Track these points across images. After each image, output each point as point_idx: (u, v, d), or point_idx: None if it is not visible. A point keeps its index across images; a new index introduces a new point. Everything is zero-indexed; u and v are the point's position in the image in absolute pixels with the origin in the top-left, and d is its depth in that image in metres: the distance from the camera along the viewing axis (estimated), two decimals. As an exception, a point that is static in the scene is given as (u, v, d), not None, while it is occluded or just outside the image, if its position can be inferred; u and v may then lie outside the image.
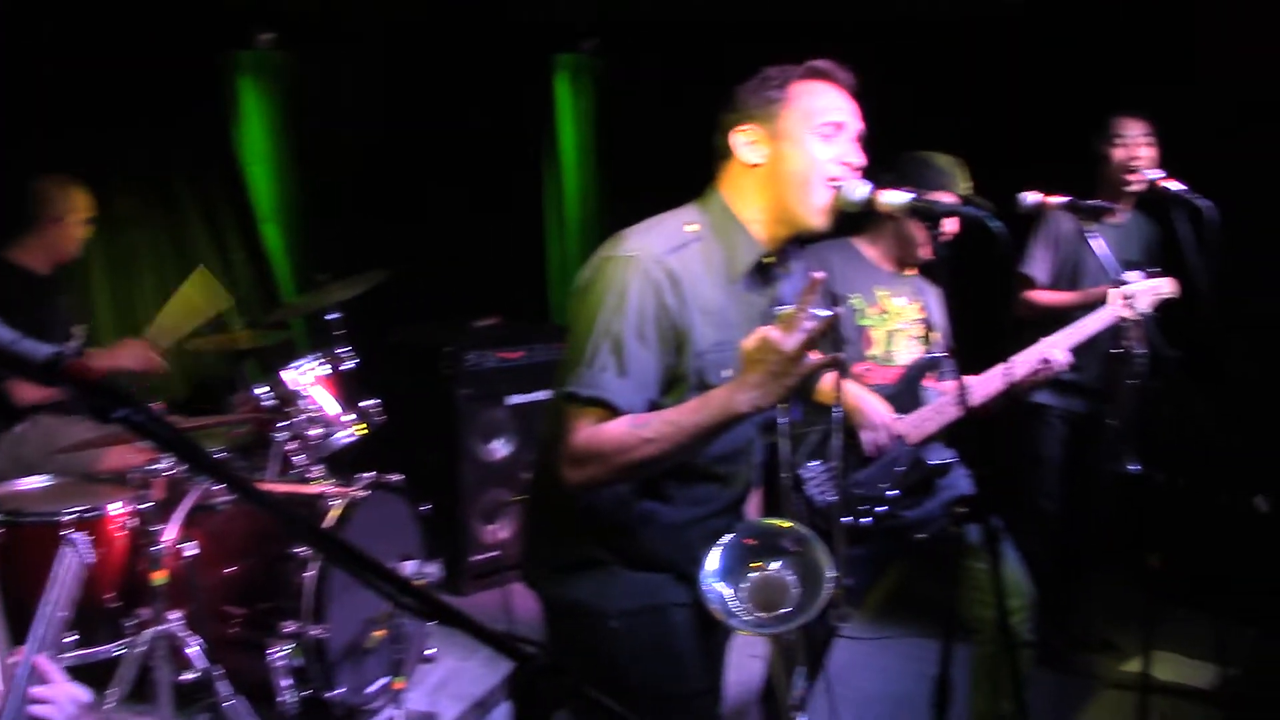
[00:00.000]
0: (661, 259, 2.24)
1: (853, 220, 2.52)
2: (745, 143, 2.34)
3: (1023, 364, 3.48)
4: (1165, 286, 3.96)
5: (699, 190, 2.47)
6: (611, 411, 2.19)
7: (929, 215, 2.31)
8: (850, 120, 2.34)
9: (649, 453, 2.17)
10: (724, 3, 5.09)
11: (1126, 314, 3.74)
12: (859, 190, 2.31)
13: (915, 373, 3.49)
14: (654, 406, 2.27)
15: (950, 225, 3.20)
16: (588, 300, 2.26)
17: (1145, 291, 3.83)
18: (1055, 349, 3.56)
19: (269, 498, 1.49)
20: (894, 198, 2.31)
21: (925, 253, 3.51)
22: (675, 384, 2.30)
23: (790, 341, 2.05)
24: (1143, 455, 3.83)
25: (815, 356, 2.06)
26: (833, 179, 2.31)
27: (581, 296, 2.29)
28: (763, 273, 2.40)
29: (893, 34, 5.40)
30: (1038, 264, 4.51)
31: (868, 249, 3.59)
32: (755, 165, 2.33)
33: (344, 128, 5.23)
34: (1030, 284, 4.50)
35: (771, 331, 2.06)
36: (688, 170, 2.55)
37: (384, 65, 5.17)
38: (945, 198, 3.29)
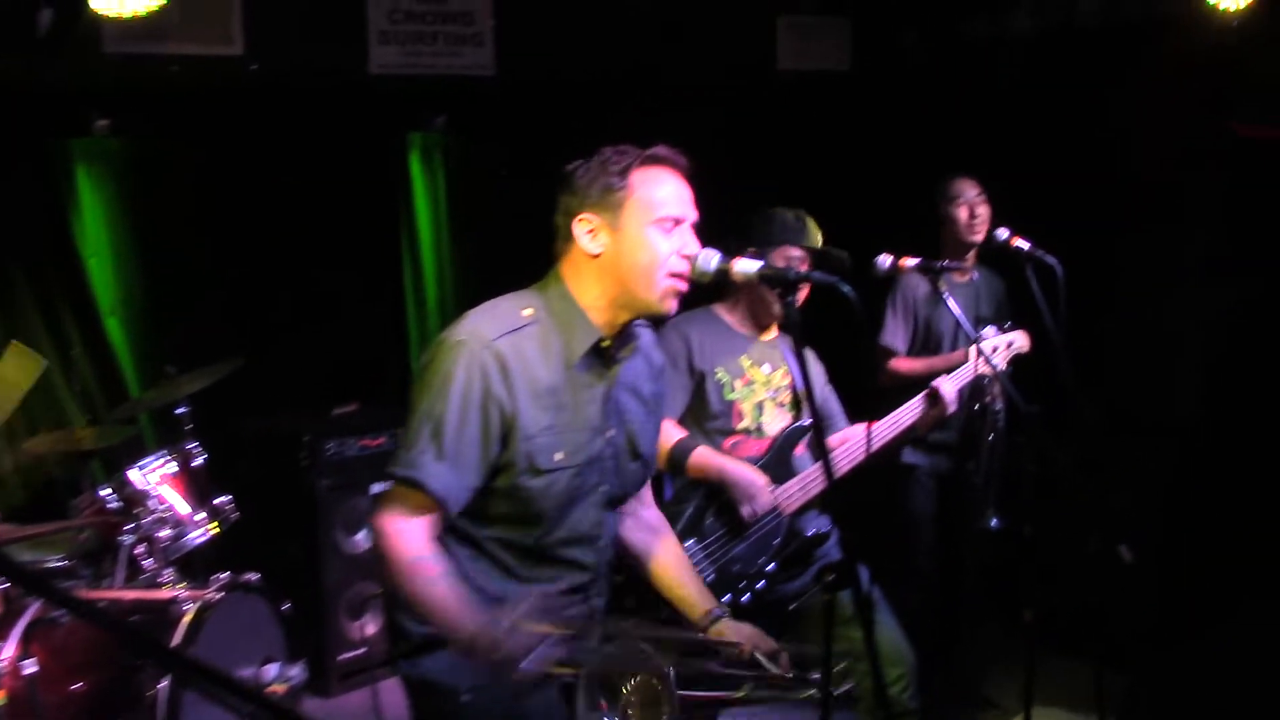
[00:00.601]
0: (492, 343, 2.33)
1: (711, 285, 2.59)
2: (585, 232, 2.41)
3: (908, 410, 3.57)
4: (1019, 340, 4.12)
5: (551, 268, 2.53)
6: (426, 494, 2.29)
7: (780, 283, 2.36)
8: (689, 211, 2.44)
9: (414, 596, 2.29)
10: (568, 71, 5.23)
11: (984, 369, 3.88)
12: (712, 261, 2.40)
13: (785, 442, 3.53)
14: (480, 491, 2.34)
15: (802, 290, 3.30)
16: (420, 383, 2.36)
17: (1001, 346, 3.98)
18: (945, 386, 3.65)
19: (104, 613, 1.45)
20: (746, 267, 2.38)
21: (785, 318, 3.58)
22: (504, 469, 2.38)
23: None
24: (1009, 510, 3.95)
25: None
26: (674, 273, 2.40)
27: (418, 379, 2.39)
28: (600, 356, 2.47)
29: (739, 97, 5.59)
30: (895, 332, 4.64)
31: (728, 315, 3.63)
32: (595, 255, 2.41)
33: (188, 214, 5.15)
34: (890, 353, 4.63)
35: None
36: (542, 247, 2.58)
37: (229, 148, 5.12)
38: (794, 253, 3.40)
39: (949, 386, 3.62)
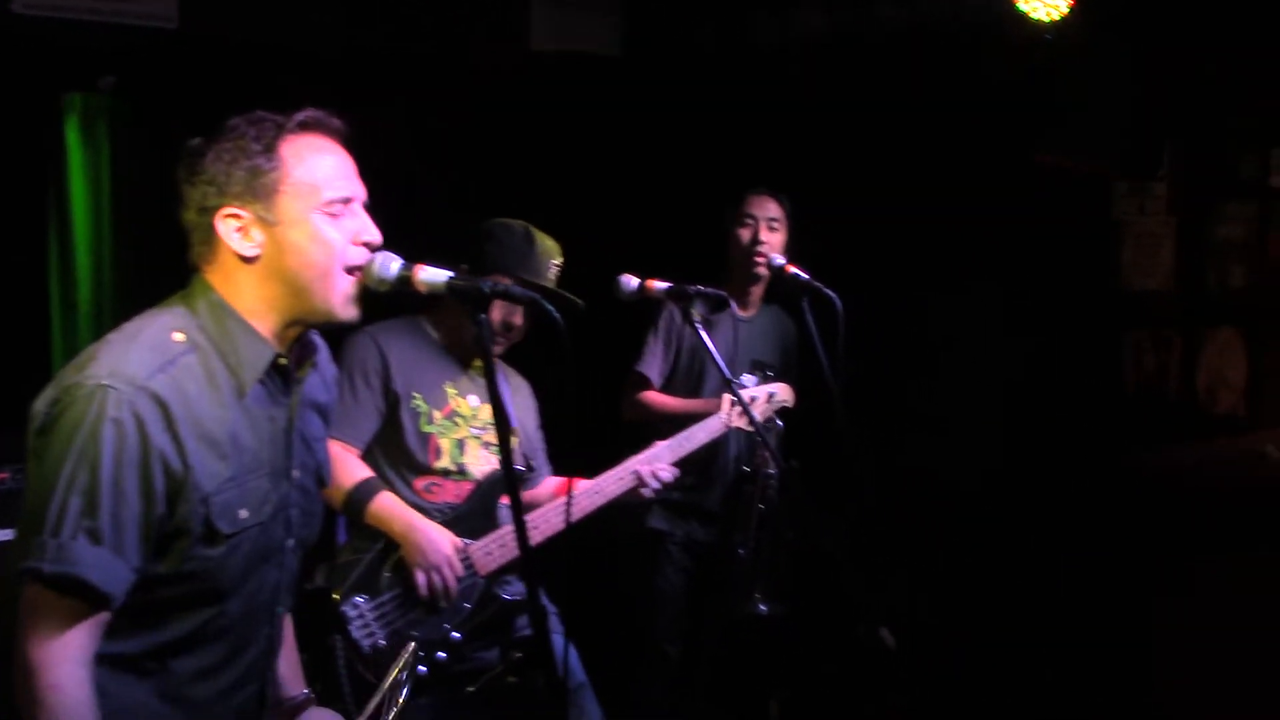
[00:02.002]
0: (144, 384, 2.02)
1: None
2: (234, 230, 2.13)
3: (616, 481, 3.47)
4: (782, 394, 4.08)
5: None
6: (83, 595, 2.00)
7: (472, 298, 2.13)
8: (357, 188, 2.19)
9: None
10: (272, 31, 4.97)
11: (739, 424, 3.83)
12: (392, 266, 2.17)
13: (490, 489, 3.36)
14: (144, 574, 2.08)
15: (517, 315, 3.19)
16: (52, 443, 1.99)
17: (760, 399, 3.93)
18: (656, 463, 3.59)
19: None
20: (431, 276, 2.16)
21: (498, 344, 3.38)
22: (174, 539, 2.07)
23: None
24: (771, 589, 3.89)
25: None
26: (353, 266, 2.18)
27: (43, 436, 2.01)
28: (279, 377, 2.26)
29: (479, 78, 5.43)
30: (651, 361, 4.43)
31: (434, 330, 3.41)
32: (250, 259, 2.15)
33: None
34: (643, 383, 4.41)
35: None
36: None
37: None
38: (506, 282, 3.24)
39: (666, 462, 3.56)
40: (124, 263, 5.38)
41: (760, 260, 4.33)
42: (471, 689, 3.19)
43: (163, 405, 2.06)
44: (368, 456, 3.32)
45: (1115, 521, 4.90)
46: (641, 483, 3.42)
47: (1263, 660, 4.73)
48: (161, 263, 4.95)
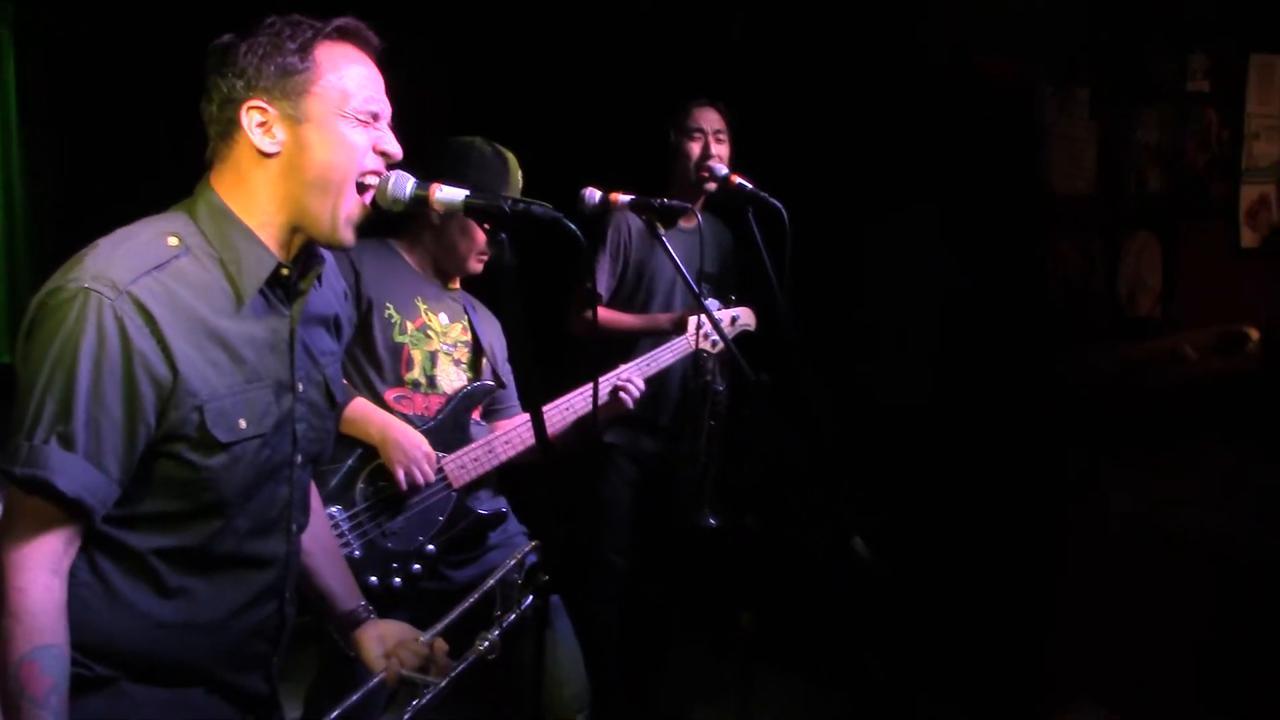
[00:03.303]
0: (128, 288, 2.00)
1: (388, 219, 2.42)
2: (257, 125, 2.12)
3: (584, 397, 3.48)
4: (744, 317, 4.13)
5: (180, 188, 2.21)
6: (54, 500, 1.99)
7: (493, 216, 2.16)
8: (385, 105, 2.21)
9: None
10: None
11: (705, 346, 3.88)
12: (406, 187, 2.19)
13: (461, 403, 3.37)
14: (132, 485, 2.06)
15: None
16: (32, 348, 1.99)
17: (724, 321, 3.97)
18: (628, 381, 3.62)
19: None
20: (449, 194, 2.18)
21: (476, 264, 3.40)
22: (165, 450, 2.06)
23: None
24: (729, 501, 3.93)
25: None
26: (369, 172, 2.18)
27: (27, 342, 2.00)
28: (281, 288, 2.24)
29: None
30: (600, 275, 4.44)
31: (406, 254, 3.42)
32: (269, 155, 2.14)
33: None
34: (588, 298, 4.42)
35: None
36: (169, 163, 2.31)
37: None
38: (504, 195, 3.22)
39: (638, 380, 3.59)
40: (34, 194, 5.15)
41: (711, 171, 4.31)
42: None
43: (145, 310, 2.04)
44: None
45: (1041, 423, 5.01)
46: (622, 389, 3.44)
47: (1181, 557, 4.93)
48: (82, 191, 4.82)
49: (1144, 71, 5.62)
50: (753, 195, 3.98)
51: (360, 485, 3.23)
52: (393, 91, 2.26)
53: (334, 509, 3.18)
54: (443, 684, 2.34)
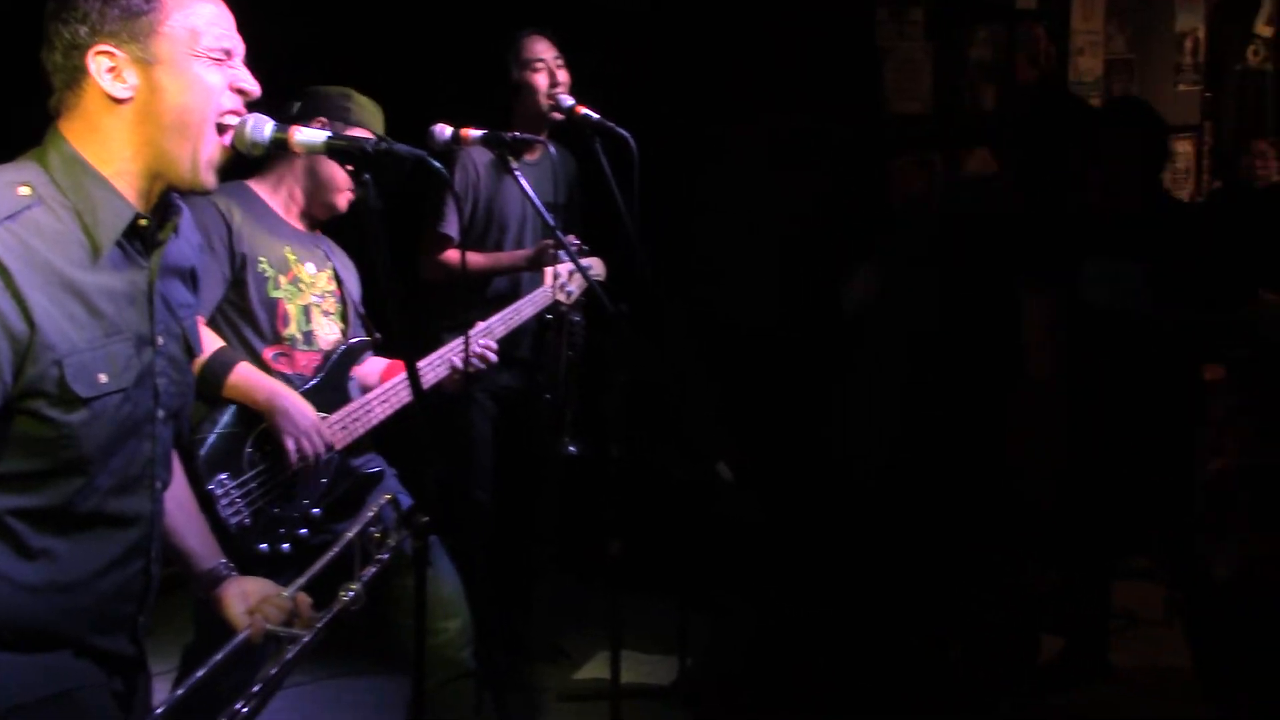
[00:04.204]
0: None
1: (246, 161, 2.36)
2: (106, 70, 2.05)
3: (445, 363, 3.48)
4: (595, 268, 4.11)
5: (25, 141, 2.12)
6: None
7: (353, 156, 2.12)
8: (237, 42, 2.15)
9: None
10: None
11: (561, 298, 3.89)
12: (267, 128, 2.12)
13: (340, 360, 3.32)
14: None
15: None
16: None
17: (578, 274, 3.95)
18: (490, 334, 3.60)
19: None
20: (310, 135, 2.13)
21: (342, 203, 3.33)
22: (27, 400, 1.99)
23: None
24: (591, 430, 3.96)
25: None
26: (228, 112, 2.12)
27: None
28: (139, 240, 2.17)
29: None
30: (451, 218, 4.37)
31: (269, 197, 3.33)
32: (121, 100, 2.08)
33: None
34: (444, 241, 4.37)
35: None
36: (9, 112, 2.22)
37: None
38: (361, 133, 3.12)
39: (495, 336, 3.62)
40: None
41: (557, 102, 4.28)
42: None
43: None
44: (214, 326, 3.21)
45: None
46: (463, 367, 3.44)
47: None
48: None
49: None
50: (599, 125, 3.97)
51: (248, 451, 3.17)
52: (243, 31, 2.20)
53: (223, 475, 3.10)
54: (309, 636, 2.32)
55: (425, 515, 2.24)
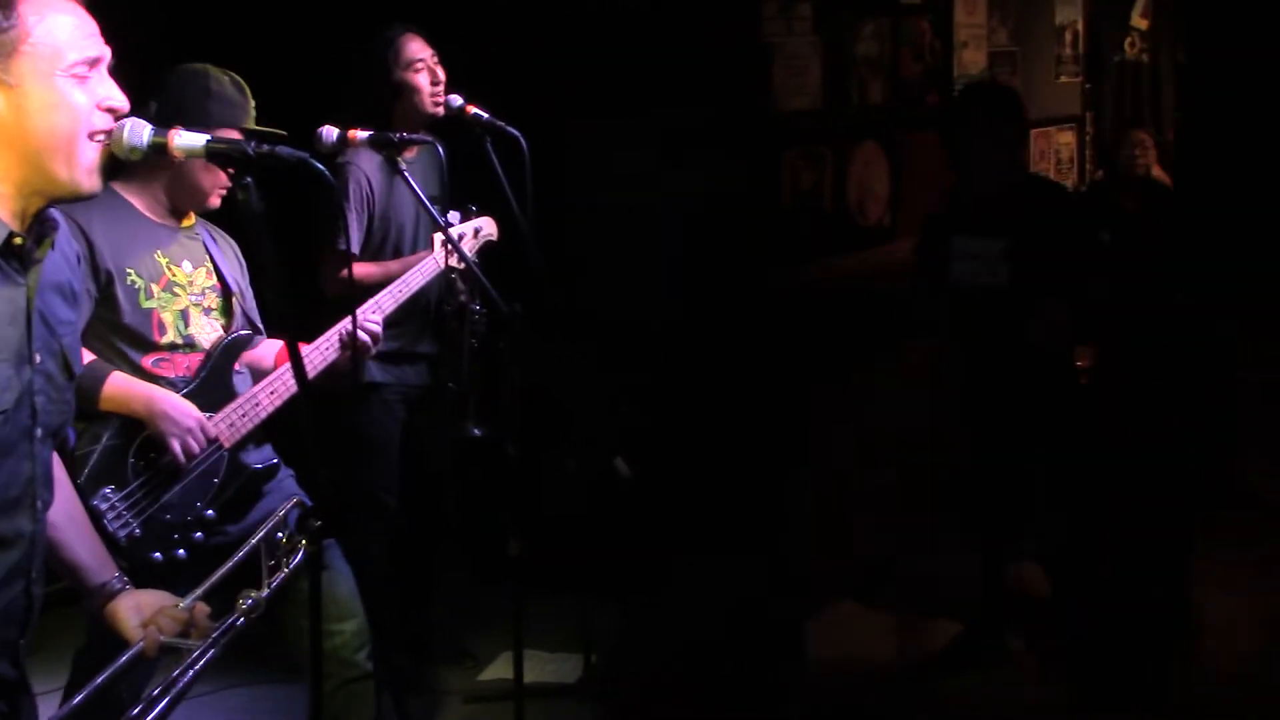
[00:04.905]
0: None
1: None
2: None
3: (341, 333, 3.43)
4: (487, 227, 4.11)
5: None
6: None
7: (235, 160, 2.10)
8: (103, 49, 2.11)
9: None
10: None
11: (452, 262, 3.85)
12: (144, 135, 2.10)
13: (221, 357, 3.29)
14: None
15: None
16: None
17: (468, 234, 3.96)
18: (377, 313, 3.57)
19: None
20: (189, 140, 2.11)
21: (214, 200, 3.27)
22: None
23: None
24: (490, 424, 3.95)
25: None
26: (99, 131, 2.09)
27: None
28: (15, 258, 2.12)
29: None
30: (351, 233, 4.25)
31: (135, 197, 3.27)
32: None
33: None
34: (347, 259, 4.22)
35: None
36: None
37: None
38: (233, 135, 3.05)
39: (383, 311, 3.55)
40: None
41: (439, 102, 4.25)
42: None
43: None
44: (86, 342, 3.15)
45: (777, 334, 5.15)
46: (351, 343, 3.40)
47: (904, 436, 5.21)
48: None
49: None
50: (490, 125, 3.97)
51: (130, 460, 3.12)
52: (109, 25, 2.14)
53: (107, 489, 3.07)
54: (206, 647, 2.29)
55: (318, 518, 2.22)
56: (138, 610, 2.39)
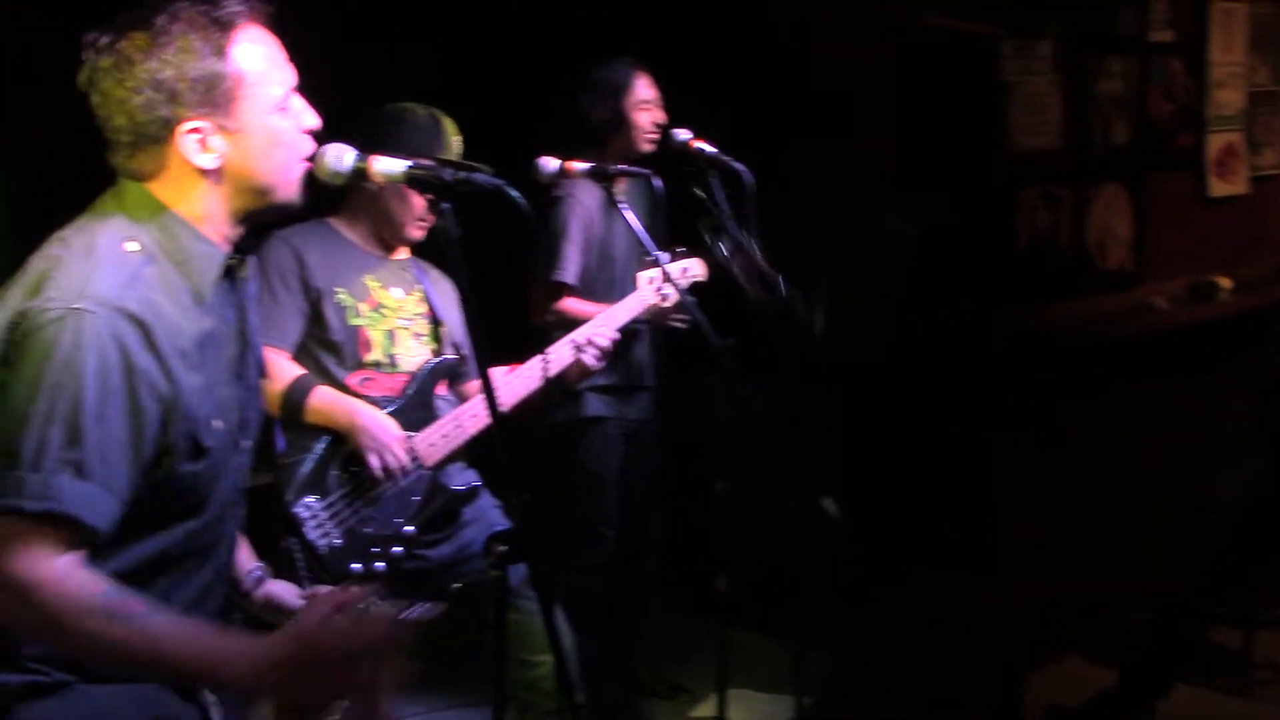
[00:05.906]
0: (120, 304, 1.94)
1: (321, 197, 2.39)
2: (194, 143, 2.05)
3: (557, 358, 3.47)
4: (695, 268, 4.10)
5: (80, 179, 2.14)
6: (77, 529, 1.90)
7: (434, 186, 2.15)
8: (292, 74, 2.16)
9: (101, 650, 1.91)
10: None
11: (658, 301, 3.86)
12: (346, 159, 2.15)
13: (426, 379, 3.36)
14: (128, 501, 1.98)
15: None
16: (17, 376, 1.91)
17: (675, 274, 3.93)
18: (591, 336, 3.58)
19: None
20: (389, 165, 2.16)
21: (417, 231, 3.35)
22: (161, 458, 2.02)
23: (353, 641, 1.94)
24: (701, 461, 3.92)
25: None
26: (307, 157, 2.15)
27: (5, 369, 1.93)
28: (228, 280, 2.17)
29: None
30: (569, 266, 4.28)
31: (348, 230, 3.39)
32: (210, 170, 2.08)
33: None
34: (559, 290, 4.27)
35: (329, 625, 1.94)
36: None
37: None
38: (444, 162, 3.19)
39: (600, 339, 3.56)
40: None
41: (654, 142, 4.28)
42: (458, 584, 3.19)
43: (141, 324, 1.97)
44: (298, 359, 3.28)
45: (1009, 378, 4.99)
46: (580, 350, 3.42)
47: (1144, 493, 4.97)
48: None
49: (1106, 22, 5.60)
50: (714, 159, 3.96)
51: (333, 473, 3.23)
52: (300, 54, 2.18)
53: (311, 499, 3.18)
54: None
55: (505, 543, 2.22)
56: (286, 591, 2.47)
